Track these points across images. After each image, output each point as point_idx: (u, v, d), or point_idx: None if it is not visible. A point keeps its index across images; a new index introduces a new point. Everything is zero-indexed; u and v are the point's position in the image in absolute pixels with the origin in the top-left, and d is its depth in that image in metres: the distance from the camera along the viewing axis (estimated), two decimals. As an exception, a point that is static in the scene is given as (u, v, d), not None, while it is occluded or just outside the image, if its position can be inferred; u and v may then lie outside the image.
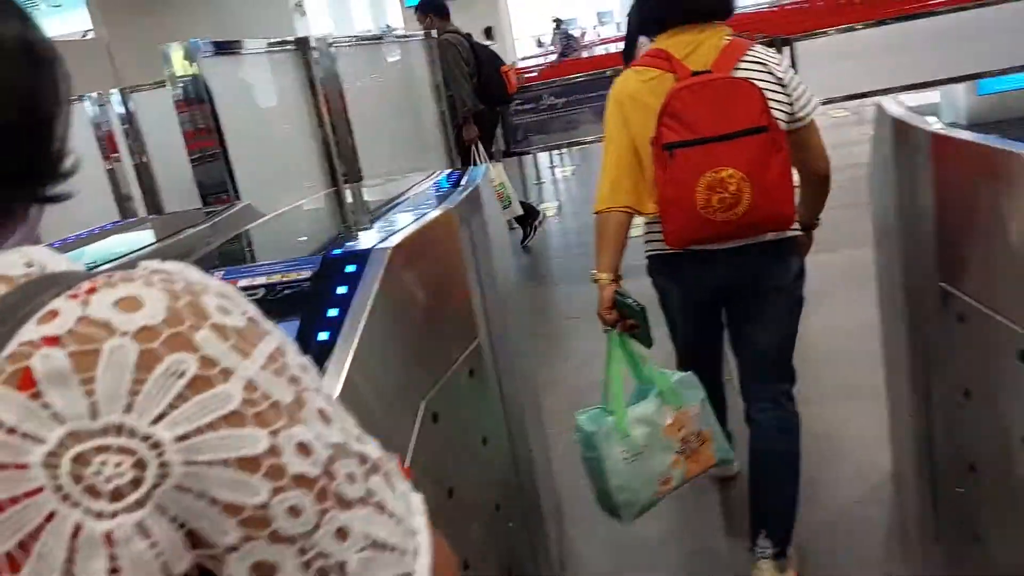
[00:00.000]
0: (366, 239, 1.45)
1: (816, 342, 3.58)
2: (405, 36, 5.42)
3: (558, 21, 20.15)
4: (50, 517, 0.39)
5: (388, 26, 24.27)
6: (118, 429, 0.39)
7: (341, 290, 1.28)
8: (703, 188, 1.83)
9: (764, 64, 1.96)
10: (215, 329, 0.42)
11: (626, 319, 1.95)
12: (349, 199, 2.30)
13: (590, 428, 1.86)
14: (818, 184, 2.16)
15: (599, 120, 5.84)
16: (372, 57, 4.69)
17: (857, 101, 7.96)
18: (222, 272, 1.38)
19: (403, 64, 5.16)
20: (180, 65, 2.50)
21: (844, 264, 4.54)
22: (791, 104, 1.98)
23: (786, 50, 6.35)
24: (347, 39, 4.29)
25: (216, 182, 2.61)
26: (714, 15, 2.00)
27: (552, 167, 9.38)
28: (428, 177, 2.21)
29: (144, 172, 3.67)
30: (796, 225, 2.02)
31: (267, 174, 3.12)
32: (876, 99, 7.72)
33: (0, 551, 0.39)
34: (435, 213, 1.57)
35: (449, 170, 2.12)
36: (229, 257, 1.58)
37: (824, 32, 6.60)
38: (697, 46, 1.96)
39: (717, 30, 1.98)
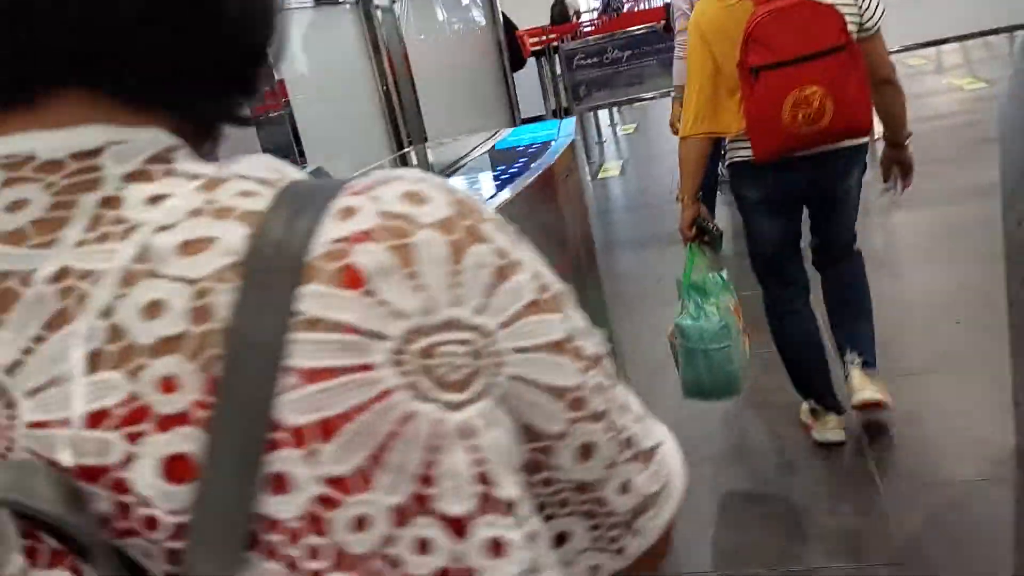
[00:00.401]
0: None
1: (914, 308, 3.38)
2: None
3: None
4: (405, 419, 0.37)
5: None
6: (452, 322, 0.39)
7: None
8: (789, 106, 2.03)
9: None
10: (494, 223, 0.43)
11: (703, 236, 2.31)
12: (419, 162, 2.16)
13: (709, 324, 2.20)
14: (888, 91, 2.29)
15: (667, 72, 5.69)
16: (433, 13, 4.54)
17: (935, 48, 7.58)
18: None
19: (466, 19, 5.00)
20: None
21: (938, 222, 4.29)
22: (861, 16, 2.14)
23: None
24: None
25: (281, 145, 2.50)
26: None
27: (613, 125, 9.14)
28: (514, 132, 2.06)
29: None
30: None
31: (332, 137, 3.01)
32: (955, 44, 7.10)
33: (352, 466, 0.37)
34: (535, 173, 1.43)
35: (533, 120, 1.97)
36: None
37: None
38: None
39: None
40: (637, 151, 8.13)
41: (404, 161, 3.46)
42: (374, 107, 3.46)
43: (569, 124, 1.83)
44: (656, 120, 9.13)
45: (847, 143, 2.18)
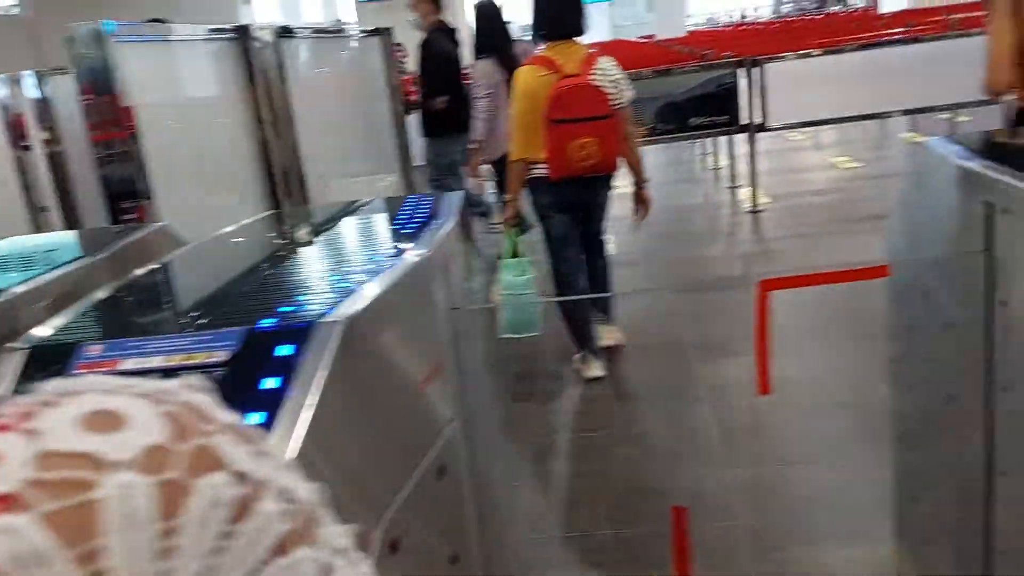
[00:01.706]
0: (310, 303, 1.06)
1: (792, 390, 3.33)
2: (362, 31, 5.01)
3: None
4: None
5: (339, 20, 23.72)
6: None
7: (270, 383, 0.90)
8: (573, 147, 3.26)
9: (605, 71, 3.37)
10: (231, 433, 0.33)
11: (519, 226, 3.53)
12: (293, 225, 1.89)
13: (520, 280, 3.21)
14: (631, 142, 3.53)
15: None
16: (323, 52, 4.28)
17: (813, 128, 7.90)
18: (99, 347, 0.97)
19: (357, 61, 4.76)
20: (86, 47, 2.07)
21: (819, 301, 4.33)
22: (619, 97, 3.36)
23: (756, 72, 6.13)
24: (298, 29, 3.88)
25: (125, 189, 2.18)
26: (578, 35, 3.46)
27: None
28: (388, 203, 1.82)
29: (58, 163, 3.23)
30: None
31: (193, 181, 2.69)
32: (837, 125, 7.40)
33: None
34: (405, 265, 1.19)
35: (419, 195, 1.74)
36: (114, 318, 1.17)
37: (782, 57, 6.43)
38: (568, 56, 3.36)
39: (580, 46, 3.44)
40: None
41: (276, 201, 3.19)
42: (246, 145, 3.16)
43: (454, 200, 1.60)
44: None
45: (604, 173, 3.46)
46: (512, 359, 3.91)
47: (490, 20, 5.03)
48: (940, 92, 6.11)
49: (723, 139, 7.29)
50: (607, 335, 3.77)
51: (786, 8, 27.30)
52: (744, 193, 6.63)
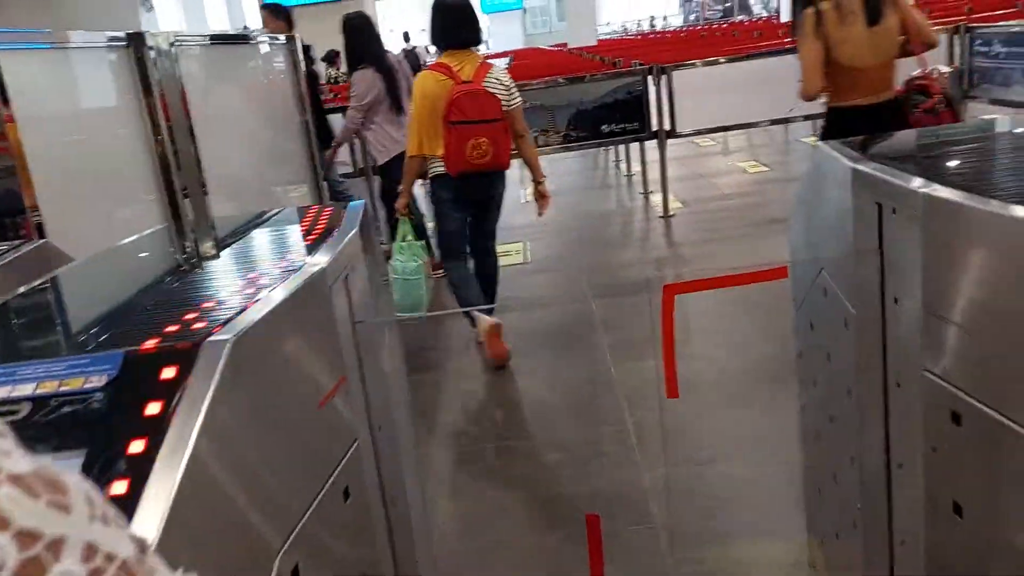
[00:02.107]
0: (198, 321, 1.01)
1: (704, 390, 3.39)
2: (268, 38, 4.89)
3: (406, 35, 19.18)
4: None
5: (246, 27, 23.11)
6: None
7: (152, 408, 0.84)
8: (469, 146, 3.67)
9: (498, 78, 3.77)
10: (18, 483, 0.30)
11: (411, 215, 4.02)
12: (187, 238, 1.81)
13: (409, 265, 3.85)
14: (524, 141, 3.95)
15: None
16: (225, 59, 4.15)
17: (722, 133, 8.12)
18: (-39, 375, 0.90)
19: (262, 69, 4.64)
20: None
21: (729, 300, 4.42)
22: (510, 101, 3.78)
23: (664, 79, 6.26)
24: (196, 36, 3.75)
25: (9, 206, 2.05)
26: (474, 45, 3.92)
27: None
28: (288, 216, 1.76)
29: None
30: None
31: (86, 194, 2.56)
32: (748, 130, 7.67)
33: None
34: (300, 278, 1.15)
35: (320, 206, 1.68)
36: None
37: (690, 64, 6.58)
38: (464, 64, 3.76)
39: (474, 54, 3.88)
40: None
41: (174, 237, 3.06)
42: (143, 156, 3.03)
43: (356, 208, 1.56)
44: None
45: (497, 170, 3.85)
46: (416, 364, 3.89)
47: (362, 32, 5.20)
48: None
49: (635, 145, 7.42)
50: (488, 326, 4.00)
51: (693, 18, 28.05)
52: (656, 199, 6.75)
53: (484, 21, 35.48)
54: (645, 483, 2.79)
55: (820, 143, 1.67)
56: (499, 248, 5.79)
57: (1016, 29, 5.52)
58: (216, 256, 1.50)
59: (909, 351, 1.24)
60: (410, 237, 3.89)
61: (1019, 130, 1.68)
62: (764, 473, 2.71)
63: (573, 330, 4.47)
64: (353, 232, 1.43)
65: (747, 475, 2.74)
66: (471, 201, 3.92)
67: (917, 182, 1.23)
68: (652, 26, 30.78)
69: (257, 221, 1.74)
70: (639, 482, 2.80)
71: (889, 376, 1.33)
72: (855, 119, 3.21)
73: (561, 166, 9.01)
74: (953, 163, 1.49)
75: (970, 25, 5.78)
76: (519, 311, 4.95)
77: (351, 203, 1.62)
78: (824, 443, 1.90)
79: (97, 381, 0.88)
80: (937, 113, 3.45)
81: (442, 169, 3.78)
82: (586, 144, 6.40)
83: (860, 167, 1.42)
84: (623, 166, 8.76)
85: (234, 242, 1.58)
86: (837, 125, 3.31)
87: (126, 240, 1.73)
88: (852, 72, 3.24)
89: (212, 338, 0.92)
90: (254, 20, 18.92)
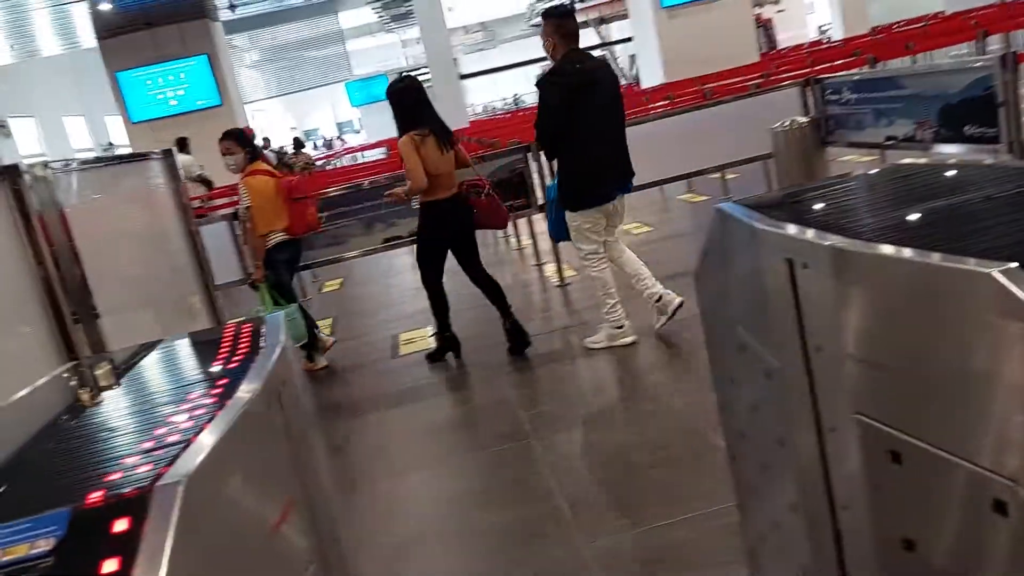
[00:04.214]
0: (139, 465, 0.95)
1: (639, 452, 3.42)
2: (140, 155, 4.79)
3: (266, 140, 18.69)
4: None
5: (111, 144, 22.50)
6: None
7: (109, 566, 0.79)
8: (305, 215, 5.46)
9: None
10: None
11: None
12: (98, 377, 1.71)
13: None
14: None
15: (368, 232, 5.65)
16: (102, 180, 4.03)
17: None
18: None
19: (140, 184, 4.52)
20: None
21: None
22: None
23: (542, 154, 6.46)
24: (73, 160, 3.63)
25: None
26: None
27: (316, 281, 8.85)
28: (204, 335, 1.70)
29: None
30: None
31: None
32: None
33: None
34: (238, 405, 1.11)
35: (238, 321, 1.63)
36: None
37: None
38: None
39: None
40: (346, 307, 7.88)
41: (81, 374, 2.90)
42: (28, 290, 2.88)
43: (277, 320, 1.52)
44: (364, 274, 9.01)
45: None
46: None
47: (251, 142, 5.72)
48: (706, 155, 6.74)
49: (523, 220, 7.59)
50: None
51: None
52: (550, 268, 6.89)
53: (355, 113, 35.90)
54: (586, 555, 2.77)
55: (722, 204, 1.76)
56: (405, 336, 5.74)
57: (859, 77, 6.02)
58: (133, 392, 1.43)
59: (839, 396, 1.30)
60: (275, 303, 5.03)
61: (909, 177, 1.82)
62: (704, 530, 2.74)
63: (494, 405, 4.46)
64: (279, 348, 1.39)
65: (687, 535, 2.76)
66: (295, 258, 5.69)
67: (823, 236, 1.31)
68: (516, 103, 31.86)
69: (168, 347, 1.68)
70: (582, 552, 2.78)
71: (823, 422, 1.38)
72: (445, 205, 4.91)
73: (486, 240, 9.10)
74: (846, 212, 1.60)
75: (819, 77, 6.26)
76: (432, 399, 4.90)
77: (271, 315, 1.58)
78: (760, 493, 1.94)
79: (45, 545, 0.81)
80: (486, 197, 5.07)
81: (283, 238, 5.46)
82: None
83: (767, 227, 1.50)
84: (513, 240, 8.91)
85: (147, 373, 1.51)
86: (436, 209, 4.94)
87: (27, 389, 1.62)
88: (435, 176, 4.80)
89: (162, 482, 0.87)
90: (119, 136, 18.46)
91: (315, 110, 40.47)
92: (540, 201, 6.51)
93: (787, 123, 6.00)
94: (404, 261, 8.61)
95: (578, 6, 29.71)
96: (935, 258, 1.03)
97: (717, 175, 7.99)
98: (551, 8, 4.67)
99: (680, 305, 4.65)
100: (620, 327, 4.79)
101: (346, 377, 5.57)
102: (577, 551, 2.81)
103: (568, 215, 4.68)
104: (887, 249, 1.14)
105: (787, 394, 1.51)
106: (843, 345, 1.25)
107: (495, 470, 3.67)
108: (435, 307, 5.17)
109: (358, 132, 34.68)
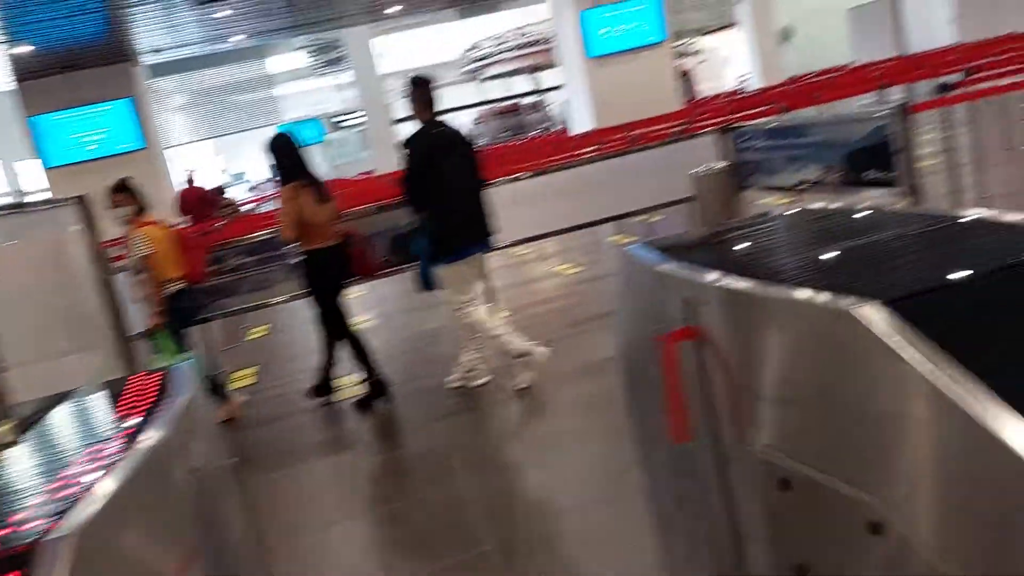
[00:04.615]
0: (30, 519, 0.94)
1: (552, 491, 3.45)
2: (52, 201, 4.68)
3: (220, 189, 18.58)
4: None
5: (19, 191, 21.78)
6: None
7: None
8: (201, 259, 5.56)
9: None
10: None
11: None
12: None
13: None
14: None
15: (283, 280, 5.61)
16: (10, 227, 3.92)
17: (536, 241, 8.52)
18: None
19: (51, 231, 4.41)
20: None
21: (567, 400, 4.55)
22: None
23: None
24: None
25: None
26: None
27: (244, 327, 8.69)
28: (108, 386, 1.67)
29: None
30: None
31: None
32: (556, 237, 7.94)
33: None
34: (136, 456, 1.09)
35: (143, 371, 1.61)
36: None
37: (494, 183, 6.94)
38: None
39: None
40: (274, 353, 7.75)
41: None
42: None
43: (184, 370, 1.51)
44: (290, 320, 8.89)
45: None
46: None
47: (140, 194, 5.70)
48: (633, 198, 6.93)
49: (454, 263, 7.62)
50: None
51: (485, 140, 29.38)
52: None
53: (288, 157, 35.69)
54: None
55: (627, 248, 1.83)
56: (332, 382, 5.64)
57: (772, 125, 6.30)
58: (32, 445, 1.39)
59: (735, 429, 1.35)
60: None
61: (795, 217, 1.92)
62: (629, 567, 2.77)
63: (428, 449, 4.43)
64: (186, 397, 1.38)
65: (614, 571, 2.78)
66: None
67: (715, 277, 1.37)
68: (452, 147, 32.06)
69: (71, 399, 1.64)
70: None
71: (723, 453, 1.44)
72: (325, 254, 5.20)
73: (384, 291, 9.06)
74: (744, 254, 1.68)
75: (734, 125, 6.52)
76: (360, 445, 4.84)
77: (179, 364, 1.57)
78: (676, 526, 1.98)
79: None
80: (355, 248, 5.40)
81: (181, 287, 5.31)
82: (407, 267, 6.50)
83: (665, 269, 1.56)
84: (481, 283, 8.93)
85: (49, 426, 1.47)
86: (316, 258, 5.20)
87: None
88: (314, 226, 5.10)
89: (50, 536, 0.86)
90: (31, 182, 17.92)
91: (245, 153, 40.12)
92: (469, 245, 6.57)
93: (706, 168, 6.23)
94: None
95: (512, 55, 30.40)
96: (808, 296, 1.10)
97: (644, 217, 8.20)
98: (414, 77, 5.09)
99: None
100: (523, 354, 5.03)
101: (272, 425, 5.45)
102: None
103: (441, 269, 4.99)
104: (769, 289, 1.21)
105: (692, 428, 1.56)
106: (736, 379, 1.31)
107: (424, 517, 3.64)
108: (355, 352, 5.28)
109: (289, 177, 34.45)
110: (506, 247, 6.92)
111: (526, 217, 6.71)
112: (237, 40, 18.09)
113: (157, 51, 15.91)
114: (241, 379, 6.63)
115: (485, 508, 3.51)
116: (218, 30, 15.96)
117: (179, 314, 5.27)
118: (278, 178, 5.23)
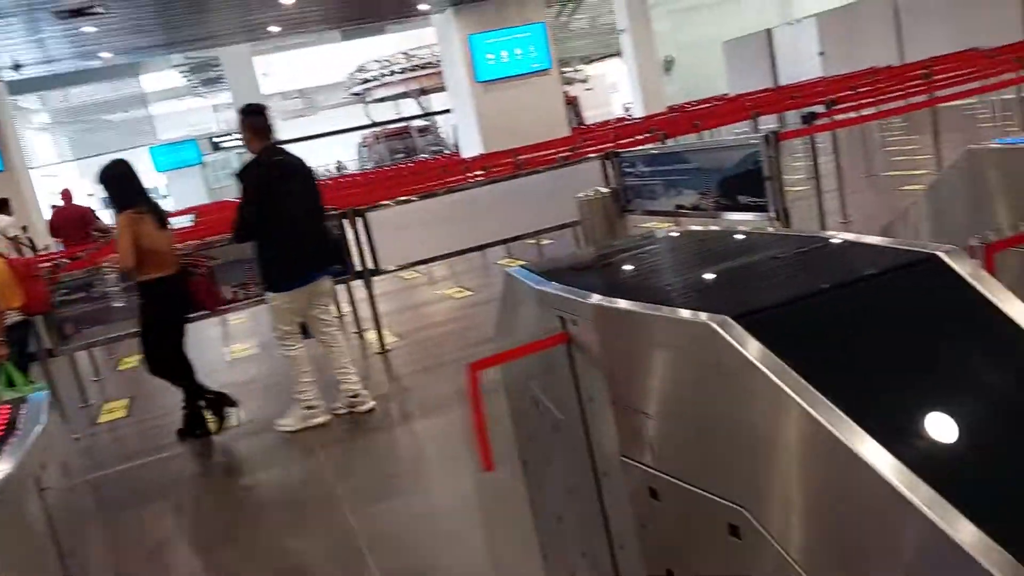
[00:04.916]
0: None
1: (445, 517, 3.44)
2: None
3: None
4: None
5: None
6: None
7: None
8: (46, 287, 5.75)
9: None
10: None
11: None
12: None
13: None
14: None
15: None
16: None
17: (425, 265, 8.53)
18: None
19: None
20: None
21: (457, 425, 4.56)
22: None
23: (359, 220, 6.50)
24: None
25: None
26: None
27: (114, 357, 8.28)
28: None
29: None
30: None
31: None
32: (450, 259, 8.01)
33: None
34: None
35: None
36: None
37: (384, 205, 6.92)
38: None
39: None
40: (146, 385, 7.40)
41: None
42: None
43: (38, 402, 1.44)
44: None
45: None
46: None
47: None
48: (522, 221, 7.03)
49: (342, 287, 7.54)
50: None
51: (371, 165, 29.11)
52: (371, 336, 6.84)
53: (161, 179, 34.23)
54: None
55: (509, 269, 1.87)
56: (209, 413, 5.45)
57: (653, 151, 6.55)
58: None
59: (607, 443, 1.40)
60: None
61: (665, 242, 2.01)
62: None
63: (307, 481, 4.33)
64: (38, 429, 1.31)
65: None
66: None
67: (589, 296, 1.42)
68: (340, 170, 31.77)
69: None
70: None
71: (598, 468, 1.48)
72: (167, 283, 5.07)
73: (267, 318, 8.83)
74: (617, 275, 1.75)
75: (616, 151, 6.73)
76: (246, 474, 4.69)
77: (32, 396, 1.49)
78: (557, 544, 2.02)
79: None
80: (202, 277, 5.37)
81: (19, 318, 5.31)
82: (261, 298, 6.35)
83: (542, 288, 1.61)
84: (333, 308, 8.79)
85: None
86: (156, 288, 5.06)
87: None
88: (154, 253, 4.98)
89: None
90: None
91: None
92: (357, 267, 6.50)
93: (590, 192, 6.40)
94: (210, 332, 8.26)
95: (400, 77, 30.37)
96: (667, 312, 1.16)
97: (533, 240, 8.33)
98: (243, 107, 5.02)
99: (370, 410, 5.07)
100: (312, 407, 5.02)
101: (147, 462, 5.21)
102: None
103: (269, 296, 4.95)
104: (635, 306, 1.27)
105: (570, 445, 1.60)
106: (608, 395, 1.35)
107: (309, 546, 3.55)
108: (184, 384, 5.22)
109: (165, 198, 33.14)
110: (392, 272, 6.90)
111: (415, 240, 6.72)
112: (108, 57, 17.34)
113: (16, 67, 15.04)
114: (111, 412, 6.30)
115: (367, 539, 3.47)
116: (86, 46, 15.24)
117: (22, 345, 5.19)
118: (112, 208, 5.10)
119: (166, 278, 5.01)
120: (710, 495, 1.10)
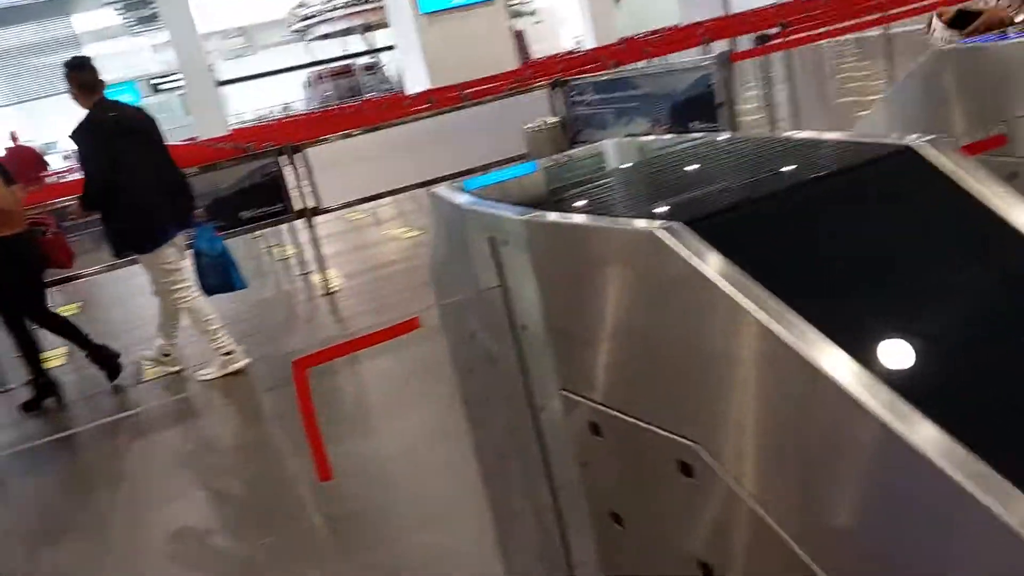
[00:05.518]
0: None
1: (390, 461, 3.32)
2: None
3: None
4: None
5: None
6: None
7: None
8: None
9: None
10: None
11: None
12: None
13: None
14: None
15: (97, 248, 5.12)
16: None
17: (371, 203, 8.26)
18: None
19: None
20: None
21: (401, 367, 4.41)
22: None
23: (299, 157, 6.20)
24: None
25: None
26: None
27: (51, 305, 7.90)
28: None
29: None
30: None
31: None
32: (396, 196, 7.77)
33: None
34: None
35: None
36: None
37: (324, 140, 6.63)
38: None
39: None
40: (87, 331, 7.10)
41: None
42: None
43: None
44: (104, 295, 8.19)
45: None
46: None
47: None
48: (468, 155, 6.79)
49: (285, 227, 7.25)
50: None
51: (317, 104, 28.24)
52: (316, 278, 6.62)
53: (102, 123, 32.97)
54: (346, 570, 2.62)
55: (435, 189, 1.68)
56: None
57: (605, 78, 6.32)
58: None
59: (544, 374, 1.25)
60: None
61: (609, 151, 1.84)
62: (464, 535, 2.67)
63: (245, 434, 4.16)
64: None
65: (446, 542, 2.68)
66: None
67: (520, 211, 1.26)
68: (286, 111, 30.79)
69: None
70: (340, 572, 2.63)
71: (535, 403, 1.33)
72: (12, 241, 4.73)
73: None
74: (556, 192, 1.58)
75: (564, 79, 6.49)
76: (179, 424, 4.51)
77: None
78: (500, 483, 1.89)
79: None
80: (52, 235, 5.14)
81: None
82: (229, 233, 6.08)
83: (472, 207, 1.43)
84: (276, 251, 8.51)
85: None
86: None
87: None
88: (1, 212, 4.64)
89: None
90: None
91: (56, 121, 36.79)
92: (299, 207, 6.23)
93: (538, 123, 6.18)
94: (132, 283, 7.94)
95: (343, 12, 29.29)
96: (609, 222, 0.99)
97: (480, 175, 8.10)
98: (67, 61, 4.68)
99: (242, 368, 4.78)
100: (229, 352, 4.81)
101: (88, 405, 4.99)
102: (330, 569, 2.64)
103: (146, 259, 4.70)
104: (574, 219, 1.10)
105: (506, 378, 1.45)
106: (544, 321, 1.20)
107: (245, 497, 3.41)
108: (24, 351, 4.97)
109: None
110: (335, 211, 6.63)
111: (358, 178, 6.45)
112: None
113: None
114: (49, 360, 6.02)
115: (309, 485, 3.33)
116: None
117: None
118: None
119: (13, 237, 4.72)
120: (658, 430, 0.96)
